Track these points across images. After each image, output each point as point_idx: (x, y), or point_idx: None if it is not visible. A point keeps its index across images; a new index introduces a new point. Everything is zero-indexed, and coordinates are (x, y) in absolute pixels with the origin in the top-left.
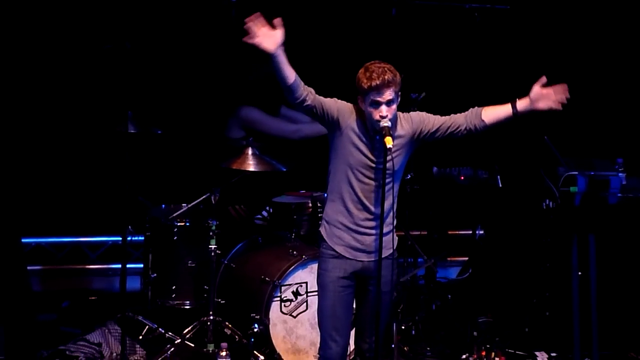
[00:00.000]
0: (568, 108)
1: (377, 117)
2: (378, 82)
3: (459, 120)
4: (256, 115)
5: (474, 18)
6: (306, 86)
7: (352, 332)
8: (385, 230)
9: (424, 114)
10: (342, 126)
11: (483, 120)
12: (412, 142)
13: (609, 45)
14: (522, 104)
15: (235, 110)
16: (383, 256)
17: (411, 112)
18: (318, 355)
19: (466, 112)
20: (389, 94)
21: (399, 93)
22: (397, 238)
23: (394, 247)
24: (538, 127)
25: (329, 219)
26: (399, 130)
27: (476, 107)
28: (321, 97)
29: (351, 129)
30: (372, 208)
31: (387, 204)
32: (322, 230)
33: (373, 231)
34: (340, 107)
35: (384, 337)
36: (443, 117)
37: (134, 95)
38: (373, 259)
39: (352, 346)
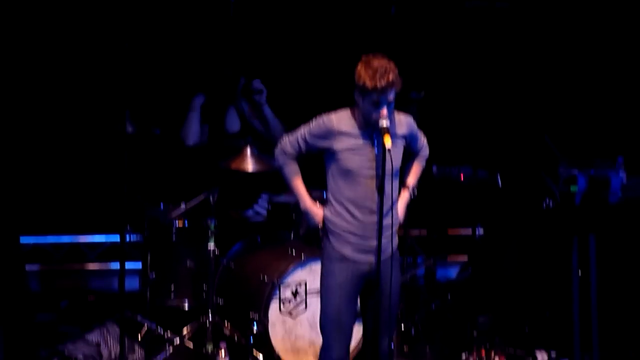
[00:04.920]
0: (569, 107)
1: (376, 117)
2: (383, 84)
3: (412, 154)
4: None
5: (473, 16)
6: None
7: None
8: (390, 231)
9: (418, 131)
10: (333, 145)
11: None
12: (405, 144)
13: (609, 43)
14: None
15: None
16: (388, 256)
17: (410, 118)
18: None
19: (419, 155)
20: (391, 95)
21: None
22: (397, 238)
23: (395, 247)
24: (538, 126)
25: (333, 225)
26: (397, 130)
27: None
28: (300, 148)
29: (344, 139)
30: (375, 209)
31: (388, 205)
32: (327, 232)
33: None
34: (321, 135)
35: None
36: (420, 141)
37: (132, 95)
38: (381, 259)
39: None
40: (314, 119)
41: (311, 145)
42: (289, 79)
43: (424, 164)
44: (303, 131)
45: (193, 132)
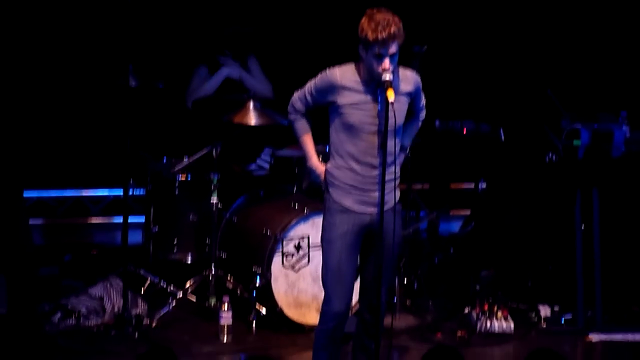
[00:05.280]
0: (572, 60)
1: (379, 70)
2: (384, 36)
3: (412, 114)
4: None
5: None
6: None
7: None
8: (392, 184)
9: (420, 89)
10: (337, 99)
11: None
12: (409, 102)
13: None
14: None
15: None
16: (390, 208)
17: (416, 75)
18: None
19: (417, 117)
20: (393, 48)
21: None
22: (399, 191)
23: (397, 199)
24: (541, 81)
25: (334, 178)
26: (401, 86)
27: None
28: (308, 102)
29: (347, 93)
30: (377, 164)
31: (390, 160)
32: (328, 185)
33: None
34: (325, 89)
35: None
36: (422, 101)
37: (136, 49)
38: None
39: (354, 301)
40: (320, 73)
41: (317, 99)
42: (296, 35)
43: (420, 125)
44: (310, 85)
45: (201, 96)
